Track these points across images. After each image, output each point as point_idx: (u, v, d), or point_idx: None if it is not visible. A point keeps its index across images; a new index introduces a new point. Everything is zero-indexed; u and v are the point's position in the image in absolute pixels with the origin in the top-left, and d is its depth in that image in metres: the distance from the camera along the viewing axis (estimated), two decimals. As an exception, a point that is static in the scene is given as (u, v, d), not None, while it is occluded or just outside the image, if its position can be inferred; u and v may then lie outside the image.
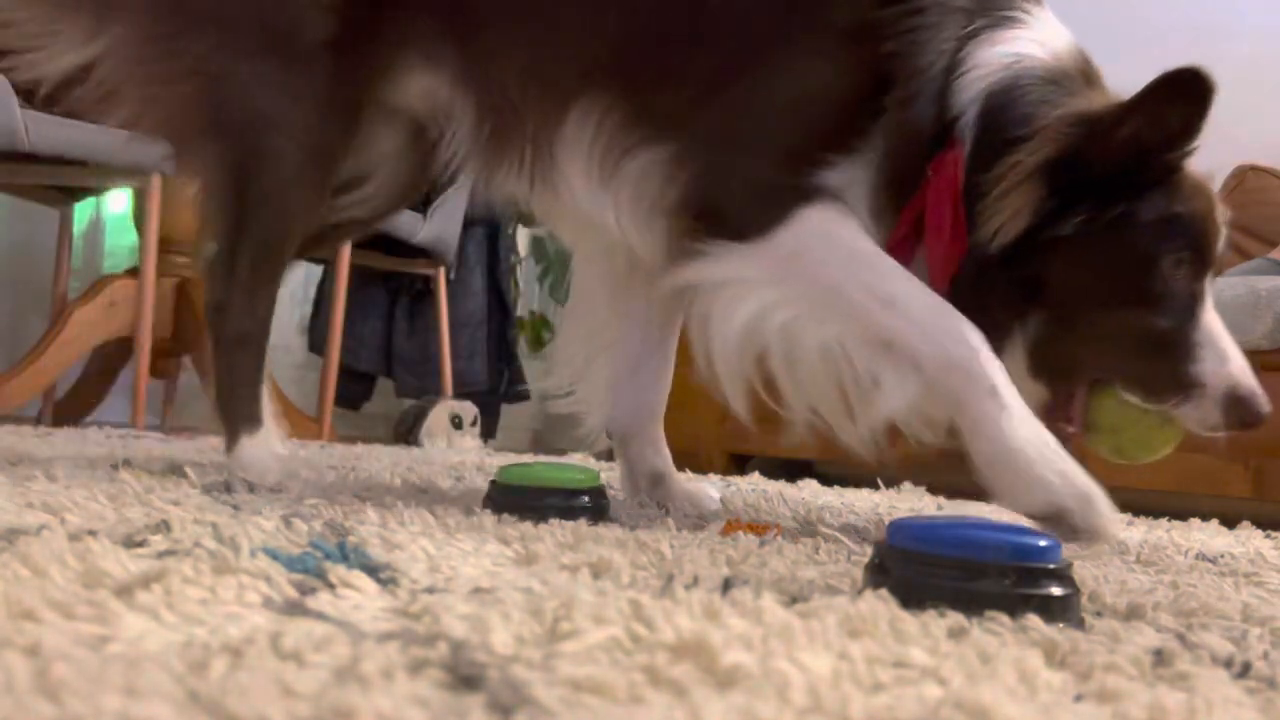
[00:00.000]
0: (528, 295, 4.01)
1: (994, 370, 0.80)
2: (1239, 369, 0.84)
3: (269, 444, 1.04)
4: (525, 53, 0.97)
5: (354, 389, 3.21)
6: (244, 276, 1.01)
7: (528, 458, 1.88)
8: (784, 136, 0.87)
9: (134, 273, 2.18)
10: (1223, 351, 0.84)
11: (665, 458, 1.11)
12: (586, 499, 0.84)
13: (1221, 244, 0.87)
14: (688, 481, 1.13)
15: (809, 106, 0.87)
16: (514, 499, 0.82)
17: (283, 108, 0.98)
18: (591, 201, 0.95)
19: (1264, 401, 0.83)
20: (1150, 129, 0.81)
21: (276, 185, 0.99)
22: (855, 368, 0.83)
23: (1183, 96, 0.80)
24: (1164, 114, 0.81)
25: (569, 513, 0.81)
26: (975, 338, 0.80)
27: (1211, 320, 0.85)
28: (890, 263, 0.84)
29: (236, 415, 1.02)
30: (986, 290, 0.85)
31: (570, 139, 0.94)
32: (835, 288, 0.83)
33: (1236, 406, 0.82)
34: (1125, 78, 0.87)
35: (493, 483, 0.86)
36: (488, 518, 0.79)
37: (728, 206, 0.87)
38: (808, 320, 0.84)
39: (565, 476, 0.85)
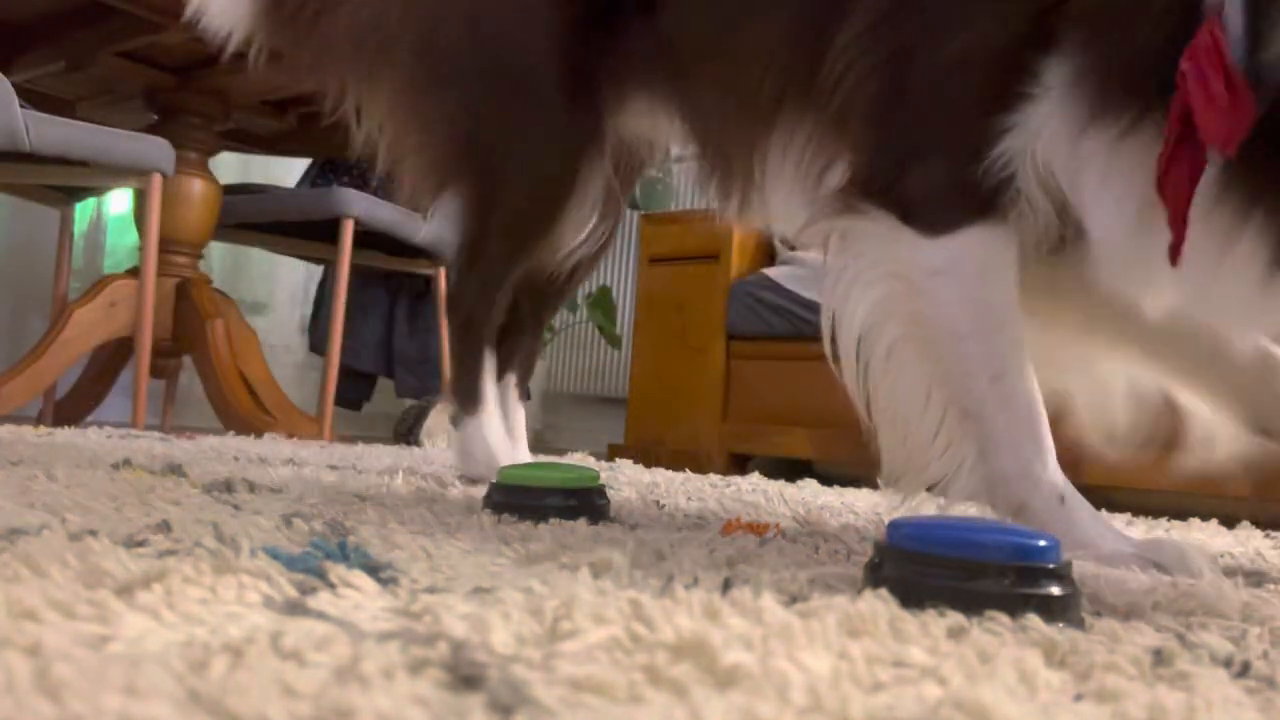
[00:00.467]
0: (528, 295, 4.00)
1: (1062, 479, 0.76)
2: None
3: (485, 428, 1.13)
4: (721, 89, 1.00)
5: (354, 389, 3.22)
6: (475, 286, 1.15)
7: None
8: (953, 119, 0.77)
9: (135, 273, 2.19)
10: None
11: None
12: (587, 499, 0.84)
13: None
14: None
15: (971, 68, 0.77)
16: (514, 499, 0.82)
17: (520, 143, 1.09)
18: (795, 218, 0.95)
19: None
20: None
21: (510, 215, 1.11)
22: (929, 415, 0.78)
23: None
24: None
25: (569, 512, 0.81)
26: (1051, 454, 0.75)
27: None
28: (1018, 334, 0.76)
29: (460, 394, 1.15)
30: None
31: (774, 163, 0.95)
32: (955, 332, 0.77)
33: None
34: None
35: (493, 483, 0.86)
36: (488, 518, 0.79)
37: (901, 192, 0.79)
38: (916, 345, 0.78)
39: (565, 476, 0.85)
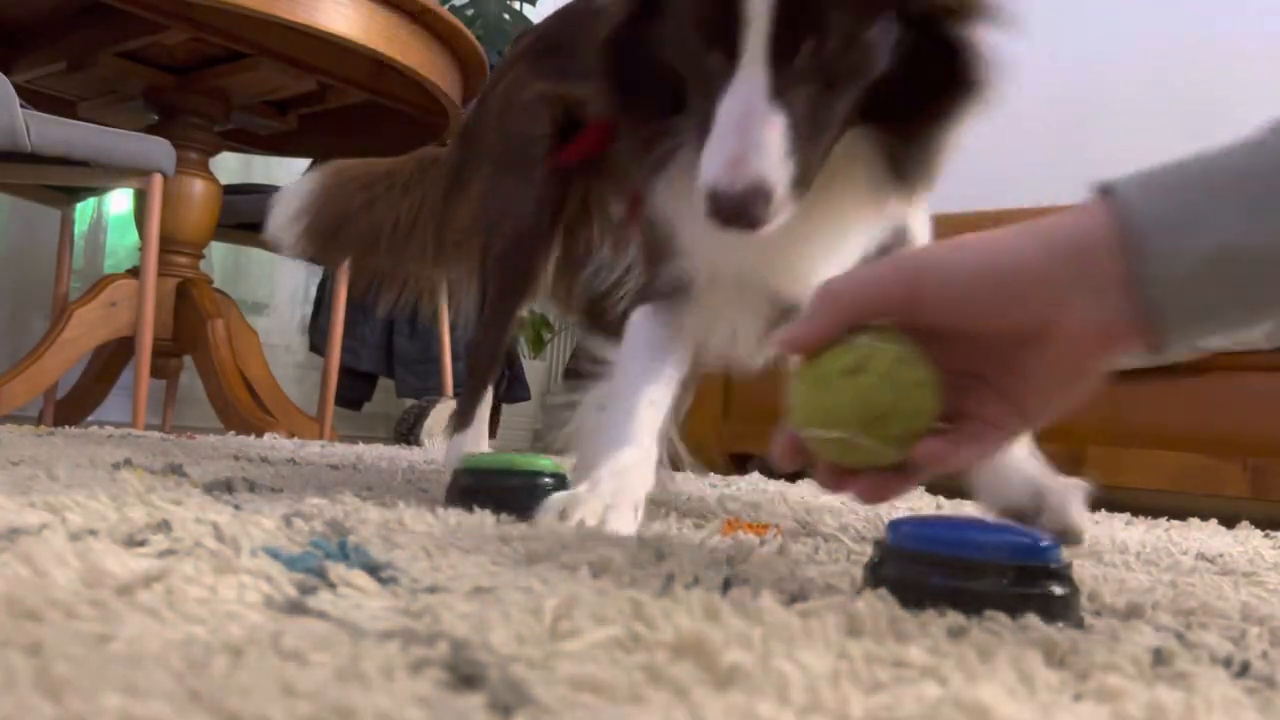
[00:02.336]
0: (528, 295, 4.00)
1: (610, 481, 0.89)
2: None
3: (467, 441, 1.38)
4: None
5: (355, 389, 3.21)
6: (481, 330, 1.40)
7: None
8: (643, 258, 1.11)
9: (135, 273, 2.19)
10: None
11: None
12: (550, 481, 0.86)
13: None
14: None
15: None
16: (477, 482, 0.85)
17: (512, 204, 1.36)
18: None
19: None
20: None
21: (498, 260, 1.36)
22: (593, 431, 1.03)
23: None
24: None
25: (533, 493, 0.82)
26: (612, 460, 0.90)
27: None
28: (635, 376, 0.98)
29: (458, 415, 1.39)
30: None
31: None
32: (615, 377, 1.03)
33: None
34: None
35: (456, 470, 0.88)
36: (488, 516, 0.79)
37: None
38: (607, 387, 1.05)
39: (529, 463, 0.88)
